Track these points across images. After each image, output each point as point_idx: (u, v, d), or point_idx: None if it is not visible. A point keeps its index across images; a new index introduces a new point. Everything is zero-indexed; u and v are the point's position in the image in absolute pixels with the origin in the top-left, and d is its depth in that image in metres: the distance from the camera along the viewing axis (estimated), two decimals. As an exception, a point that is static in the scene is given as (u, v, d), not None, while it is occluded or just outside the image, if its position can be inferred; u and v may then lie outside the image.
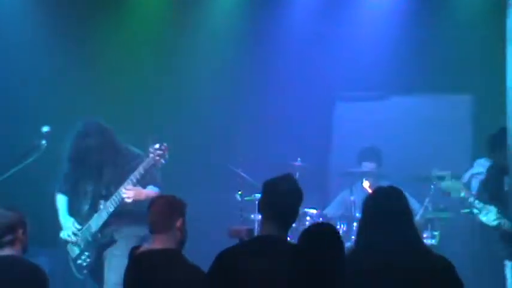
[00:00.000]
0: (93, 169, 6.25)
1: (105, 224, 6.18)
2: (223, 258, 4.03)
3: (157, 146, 6.07)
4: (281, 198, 4.09)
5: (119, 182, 6.14)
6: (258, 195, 6.93)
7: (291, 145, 7.95)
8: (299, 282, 3.60)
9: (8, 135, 7.59)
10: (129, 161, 6.27)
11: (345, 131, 8.65)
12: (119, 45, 8.33)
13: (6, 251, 4.70)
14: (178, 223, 4.40)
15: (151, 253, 4.35)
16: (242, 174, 7.24)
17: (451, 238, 7.15)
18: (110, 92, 8.08)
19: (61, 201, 6.42)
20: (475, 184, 7.06)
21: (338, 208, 7.75)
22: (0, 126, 7.75)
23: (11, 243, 4.71)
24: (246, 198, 7.14)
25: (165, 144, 6.10)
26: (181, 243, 4.45)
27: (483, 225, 6.32)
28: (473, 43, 7.99)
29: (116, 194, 6.14)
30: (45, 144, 6.12)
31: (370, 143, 7.88)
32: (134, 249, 4.44)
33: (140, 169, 6.11)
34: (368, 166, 7.68)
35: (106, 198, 6.20)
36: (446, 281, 3.94)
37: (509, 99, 5.87)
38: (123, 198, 6.11)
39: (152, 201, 4.55)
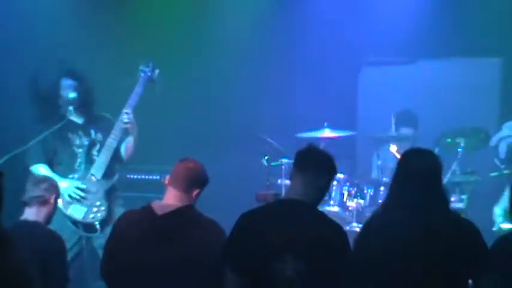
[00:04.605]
0: (77, 121, 6.28)
1: (108, 166, 6.20)
2: (243, 220, 4.07)
3: (147, 65, 6.42)
4: (316, 183, 4.11)
5: (106, 127, 6.25)
6: (285, 160, 7.01)
7: (317, 110, 7.92)
8: None
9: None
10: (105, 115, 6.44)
11: (372, 96, 8.62)
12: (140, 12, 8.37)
13: (29, 214, 4.81)
14: (195, 192, 4.42)
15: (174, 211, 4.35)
16: (269, 140, 7.24)
17: (480, 202, 7.12)
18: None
19: (44, 168, 6.18)
20: (503, 147, 7.03)
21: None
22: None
23: (41, 204, 4.84)
24: (272, 164, 7.14)
25: (152, 63, 6.44)
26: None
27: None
28: (502, 5, 7.89)
29: (117, 123, 6.21)
30: (72, 111, 6.15)
31: (398, 107, 7.84)
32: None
33: (137, 90, 6.30)
34: (406, 131, 7.64)
35: (98, 144, 6.26)
36: (470, 246, 3.94)
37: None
38: (123, 127, 6.18)
39: (187, 159, 4.51)
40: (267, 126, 7.47)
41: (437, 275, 3.89)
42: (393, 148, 7.31)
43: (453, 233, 3.94)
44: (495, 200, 6.45)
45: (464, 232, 3.97)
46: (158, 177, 7.68)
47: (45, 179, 5.02)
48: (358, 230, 6.15)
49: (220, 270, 4.03)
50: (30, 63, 6.78)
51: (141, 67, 6.43)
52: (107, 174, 6.21)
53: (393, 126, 7.62)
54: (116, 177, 6.29)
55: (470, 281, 4.00)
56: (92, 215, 6.09)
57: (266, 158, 7.13)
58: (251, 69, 8.30)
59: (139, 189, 7.13)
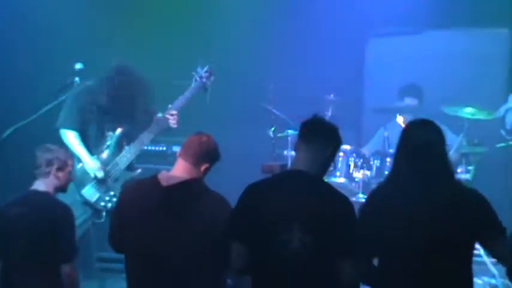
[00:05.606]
0: (119, 108, 6.21)
1: (133, 161, 6.22)
2: (249, 191, 4.06)
3: (204, 69, 6.34)
4: (322, 154, 4.09)
5: (145, 123, 6.20)
6: (291, 132, 7.00)
7: (324, 81, 7.90)
8: None
9: (42, 73, 7.62)
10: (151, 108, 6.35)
11: (379, 67, 8.58)
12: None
13: (38, 185, 4.85)
14: (204, 167, 4.41)
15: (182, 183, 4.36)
16: (274, 111, 7.23)
17: (486, 173, 7.11)
18: (144, 33, 8.10)
19: (74, 136, 6.16)
20: (509, 118, 7.01)
21: (376, 145, 7.72)
22: (34, 64, 7.76)
23: (44, 176, 4.86)
24: (278, 135, 7.14)
25: (210, 67, 6.35)
26: None
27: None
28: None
29: (155, 120, 6.15)
30: (78, 82, 6.12)
31: (405, 78, 7.81)
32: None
33: (187, 94, 6.26)
34: (410, 101, 7.60)
35: (130, 137, 6.21)
36: (476, 214, 3.92)
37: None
38: (161, 127, 6.13)
39: (201, 132, 4.48)
40: (274, 97, 7.44)
41: (441, 243, 3.88)
42: (400, 119, 7.29)
43: (456, 202, 3.93)
44: (501, 171, 6.44)
45: (468, 200, 3.95)
46: (164, 148, 7.68)
47: (51, 149, 4.98)
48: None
49: (225, 242, 4.03)
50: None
51: (198, 69, 6.36)
52: (131, 166, 6.23)
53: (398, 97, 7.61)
54: (139, 171, 6.27)
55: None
56: (102, 203, 6.13)
57: (272, 129, 7.14)
58: (257, 39, 8.27)
59: (145, 160, 7.11)
